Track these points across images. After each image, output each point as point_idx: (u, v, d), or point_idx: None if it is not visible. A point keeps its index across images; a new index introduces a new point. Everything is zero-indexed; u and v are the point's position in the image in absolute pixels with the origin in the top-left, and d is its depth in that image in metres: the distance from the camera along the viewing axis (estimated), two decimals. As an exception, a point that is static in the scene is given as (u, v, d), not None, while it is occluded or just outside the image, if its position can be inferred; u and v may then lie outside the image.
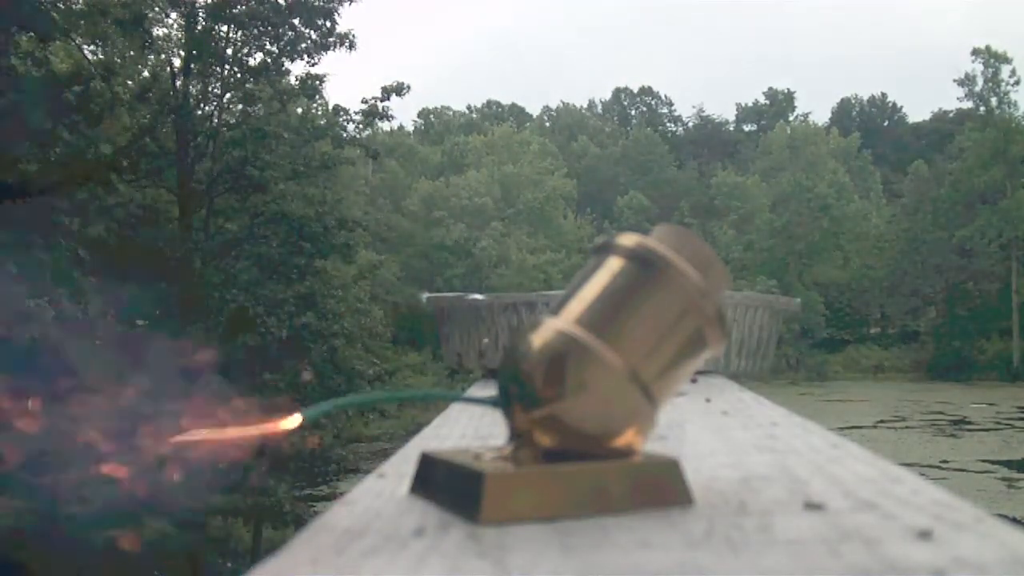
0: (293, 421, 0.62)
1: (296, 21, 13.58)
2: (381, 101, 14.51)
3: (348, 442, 14.35)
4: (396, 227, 35.89)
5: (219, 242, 12.85)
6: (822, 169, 44.85)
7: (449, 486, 0.64)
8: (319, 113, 15.72)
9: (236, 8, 13.05)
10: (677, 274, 0.66)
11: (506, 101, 64.86)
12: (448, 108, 58.99)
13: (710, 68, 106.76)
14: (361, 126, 15.21)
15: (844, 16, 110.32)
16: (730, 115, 64.94)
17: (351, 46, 13.94)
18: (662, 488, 0.64)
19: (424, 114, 56.37)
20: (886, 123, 62.58)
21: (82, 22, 12.13)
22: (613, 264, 0.68)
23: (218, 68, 13.52)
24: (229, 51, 13.53)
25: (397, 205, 38.11)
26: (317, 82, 14.14)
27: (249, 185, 12.84)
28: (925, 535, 0.51)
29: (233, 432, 0.60)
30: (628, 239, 0.69)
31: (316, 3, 13.52)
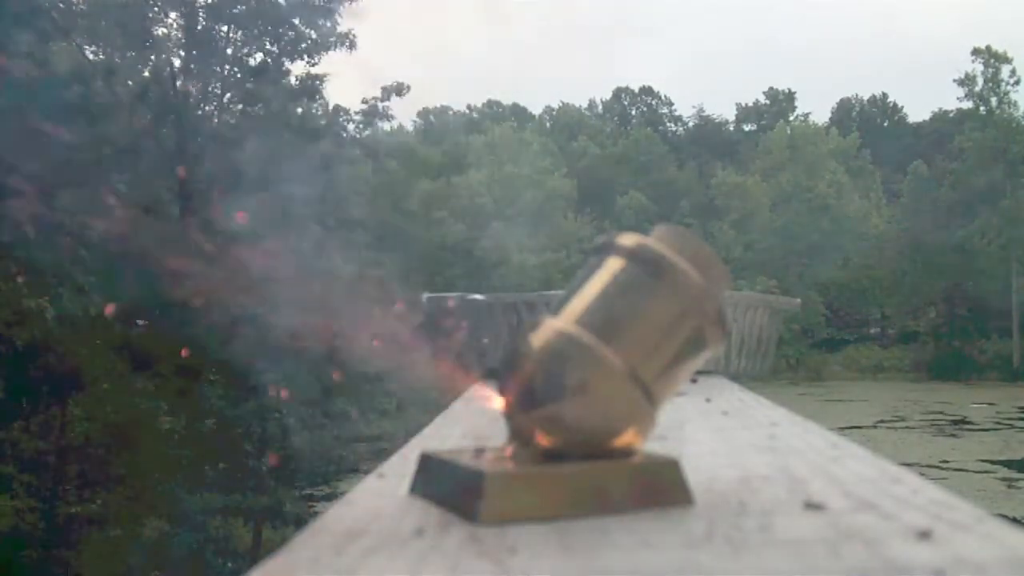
0: (498, 403, 0.67)
1: (296, 21, 13.58)
2: (381, 101, 14.53)
3: (348, 442, 14.33)
4: (396, 227, 35.82)
5: (219, 242, 12.82)
6: (822, 169, 44.83)
7: (449, 486, 0.64)
8: (319, 113, 15.71)
9: (236, 8, 13.05)
10: (677, 274, 0.66)
11: (506, 101, 64.76)
12: (448, 108, 58.97)
13: (710, 68, 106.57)
14: (361, 126, 15.22)
15: (844, 16, 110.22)
16: (730, 115, 64.81)
17: (351, 46, 13.93)
18: (662, 488, 0.64)
19: (424, 114, 56.34)
20: (886, 123, 62.52)
21: (81, 21, 12.12)
22: (613, 264, 0.68)
23: (218, 68, 13.52)
24: (229, 51, 13.53)
25: (397, 205, 38.05)
26: (317, 82, 14.14)
27: (249, 185, 12.83)
28: (925, 535, 0.51)
29: (453, 372, 0.68)
30: (628, 239, 0.69)
31: (316, 3, 13.51)
